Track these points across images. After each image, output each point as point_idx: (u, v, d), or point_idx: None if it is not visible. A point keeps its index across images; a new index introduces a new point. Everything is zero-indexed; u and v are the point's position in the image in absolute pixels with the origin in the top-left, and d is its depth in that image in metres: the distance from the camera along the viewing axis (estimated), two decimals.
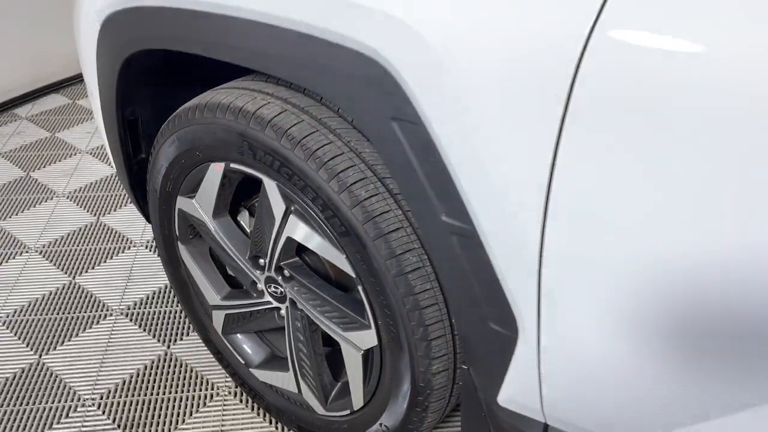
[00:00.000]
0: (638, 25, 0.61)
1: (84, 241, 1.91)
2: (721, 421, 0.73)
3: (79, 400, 1.44)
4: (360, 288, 1.02)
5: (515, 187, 0.73)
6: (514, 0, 0.67)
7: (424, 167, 0.81)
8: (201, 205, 1.21)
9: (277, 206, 1.06)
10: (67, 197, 2.11)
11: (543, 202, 0.72)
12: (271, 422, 1.40)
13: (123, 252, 1.87)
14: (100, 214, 2.03)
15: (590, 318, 0.77)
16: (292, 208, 1.05)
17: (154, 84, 1.24)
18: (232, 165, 1.09)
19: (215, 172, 1.13)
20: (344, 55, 0.81)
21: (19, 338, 1.59)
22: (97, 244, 1.90)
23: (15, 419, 1.38)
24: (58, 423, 1.38)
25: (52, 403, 1.43)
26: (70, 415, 1.40)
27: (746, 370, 0.69)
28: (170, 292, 1.70)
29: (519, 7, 0.67)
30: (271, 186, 1.05)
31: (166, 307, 1.67)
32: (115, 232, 1.94)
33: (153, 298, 1.70)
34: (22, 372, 1.50)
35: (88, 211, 2.04)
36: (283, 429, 1.39)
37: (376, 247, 0.95)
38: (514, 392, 0.90)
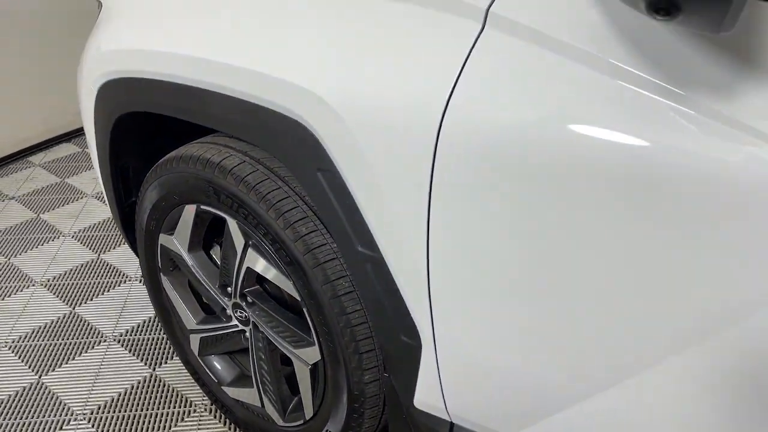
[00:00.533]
0: (481, 102, 0.82)
1: (85, 276, 2.11)
2: (579, 407, 0.91)
3: (72, 414, 1.62)
4: (305, 310, 1.21)
5: (404, 223, 0.93)
6: (391, 77, 0.88)
7: (343, 207, 1.01)
8: (179, 241, 1.41)
9: (238, 241, 1.27)
10: (72, 236, 2.33)
11: (425, 235, 0.91)
12: None
13: (119, 285, 2.07)
14: (100, 251, 2.24)
15: (470, 330, 0.95)
16: (250, 242, 1.25)
17: (141, 139, 1.46)
18: (202, 207, 1.30)
19: (189, 212, 1.34)
20: (280, 120, 1.02)
21: (23, 361, 1.78)
22: (96, 279, 2.10)
23: (16, 431, 1.57)
24: None
25: (48, 417, 1.61)
26: (63, 427, 1.58)
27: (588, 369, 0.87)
28: (158, 321, 1.89)
29: (395, 82, 0.88)
30: (232, 224, 1.25)
31: (154, 334, 1.86)
32: (114, 268, 2.15)
33: (143, 326, 1.90)
34: (24, 390, 1.69)
35: (90, 249, 2.26)
36: None
37: (314, 275, 1.14)
38: (425, 395, 1.08)
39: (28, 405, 1.64)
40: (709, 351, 0.74)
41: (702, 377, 0.76)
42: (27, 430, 1.57)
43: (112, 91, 1.33)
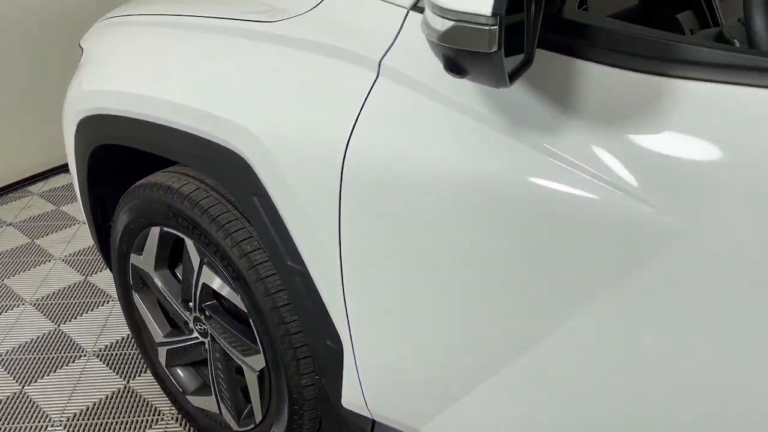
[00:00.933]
0: (374, 138, 0.97)
1: (71, 296, 2.27)
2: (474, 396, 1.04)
3: (50, 421, 1.76)
4: (251, 320, 1.35)
5: (322, 241, 1.08)
6: (306, 117, 1.04)
7: (274, 227, 1.16)
8: (146, 260, 1.56)
9: (195, 259, 1.42)
10: (63, 260, 2.49)
11: (338, 251, 1.06)
12: None
13: (103, 305, 2.22)
14: (87, 274, 2.40)
15: (379, 336, 1.10)
16: (205, 260, 1.40)
17: (115, 168, 1.62)
18: (165, 228, 1.46)
19: (154, 234, 1.50)
20: (223, 152, 1.18)
21: (8, 372, 1.92)
22: (82, 299, 2.25)
23: None
24: None
25: (29, 423, 1.75)
26: None
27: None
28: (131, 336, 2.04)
29: (309, 121, 1.04)
30: (189, 243, 1.41)
31: (130, 350, 2.00)
32: (98, 289, 2.30)
33: (121, 342, 2.04)
34: (7, 399, 1.83)
35: (78, 272, 2.41)
36: None
37: (257, 288, 1.29)
38: (349, 395, 1.21)
39: (10, 413, 1.78)
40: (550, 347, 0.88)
41: (552, 369, 0.90)
42: None
43: (89, 125, 1.50)
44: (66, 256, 2.52)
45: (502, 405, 1.00)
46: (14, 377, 1.91)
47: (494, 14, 0.62)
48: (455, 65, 0.69)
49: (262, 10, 1.17)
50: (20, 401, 1.82)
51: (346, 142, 0.99)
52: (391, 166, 0.95)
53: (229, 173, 1.20)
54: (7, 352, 2.01)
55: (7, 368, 1.94)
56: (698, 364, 0.79)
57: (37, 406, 1.80)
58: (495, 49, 0.64)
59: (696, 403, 0.81)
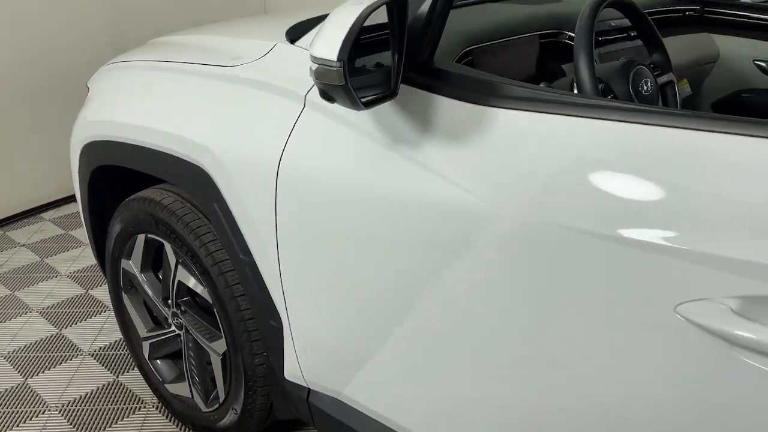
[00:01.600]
0: (299, 157, 1.27)
1: (73, 306, 2.55)
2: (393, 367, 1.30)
3: (47, 407, 2.03)
4: (215, 310, 1.63)
5: (264, 236, 1.36)
6: (250, 138, 1.34)
7: (230, 227, 1.45)
8: (134, 263, 1.85)
9: (172, 260, 1.71)
10: (68, 276, 2.79)
11: (276, 245, 1.35)
12: (180, 427, 1.95)
13: (99, 314, 2.50)
14: (89, 287, 2.69)
15: (308, 315, 1.37)
16: (180, 260, 1.69)
17: (110, 187, 1.93)
18: (149, 235, 1.75)
19: (140, 240, 1.79)
20: (191, 166, 1.48)
21: (14, 367, 2.20)
22: (83, 308, 2.54)
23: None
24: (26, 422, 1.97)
25: (30, 407, 2.02)
26: (39, 416, 1.99)
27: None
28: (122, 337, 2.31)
29: (252, 142, 1.34)
30: (168, 247, 1.70)
31: (121, 351, 2.28)
32: (98, 301, 2.59)
33: (113, 344, 2.32)
34: (12, 389, 2.11)
35: (81, 286, 2.71)
36: (184, 429, 1.94)
37: (219, 281, 1.57)
38: (289, 368, 1.48)
39: (15, 400, 2.05)
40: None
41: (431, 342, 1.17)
42: (8, 420, 1.98)
43: (91, 150, 1.82)
44: (71, 272, 2.81)
45: (398, 364, 1.26)
46: (19, 371, 2.18)
47: (339, 59, 0.92)
48: (325, 95, 0.99)
49: (225, 58, 1.49)
50: (23, 390, 2.09)
51: (279, 159, 1.29)
52: (309, 176, 1.25)
53: (196, 184, 1.50)
54: (14, 351, 2.29)
55: (13, 363, 2.22)
56: (522, 333, 1.05)
57: (37, 395, 2.07)
58: (343, 83, 0.94)
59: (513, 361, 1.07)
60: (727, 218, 0.82)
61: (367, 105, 0.99)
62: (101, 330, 2.40)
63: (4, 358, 2.26)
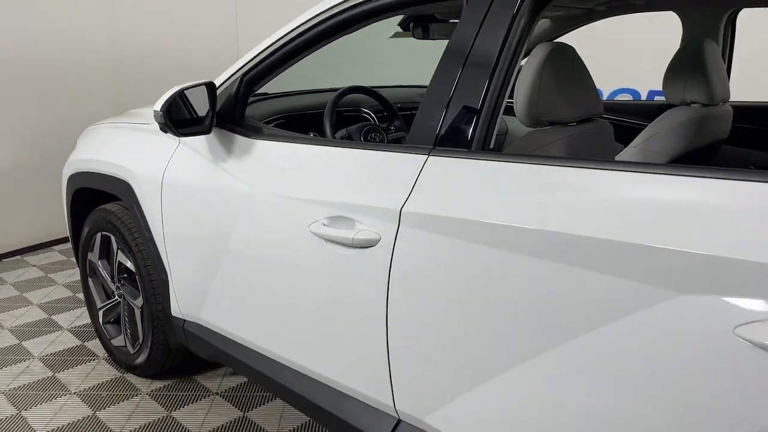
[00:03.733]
0: (173, 169, 2.25)
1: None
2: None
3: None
4: (137, 277, 2.56)
5: (155, 219, 2.32)
6: (148, 162, 2.32)
7: (141, 219, 2.40)
8: (95, 254, 2.81)
9: (114, 247, 2.66)
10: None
11: (161, 225, 2.29)
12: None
13: (60, 332, 3.43)
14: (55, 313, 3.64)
15: (180, 271, 2.29)
16: (119, 247, 2.64)
17: (85, 204, 2.91)
18: (104, 233, 2.71)
19: (98, 237, 2.75)
20: (123, 183, 2.46)
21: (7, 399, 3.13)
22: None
23: None
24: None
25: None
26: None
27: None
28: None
29: (148, 165, 2.32)
30: (113, 239, 2.66)
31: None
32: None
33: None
34: (5, 419, 3.02)
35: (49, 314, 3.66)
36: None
37: (138, 256, 2.50)
38: (174, 307, 2.39)
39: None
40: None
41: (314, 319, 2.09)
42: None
43: (73, 179, 2.82)
44: (43, 303, 3.78)
45: (227, 295, 2.16)
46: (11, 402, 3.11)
47: (160, 110, 1.91)
48: (161, 127, 1.97)
49: (145, 119, 2.50)
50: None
51: (163, 174, 2.26)
52: (176, 183, 2.21)
53: (125, 194, 2.48)
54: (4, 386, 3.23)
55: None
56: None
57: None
58: (162, 122, 1.92)
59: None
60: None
61: (183, 135, 1.97)
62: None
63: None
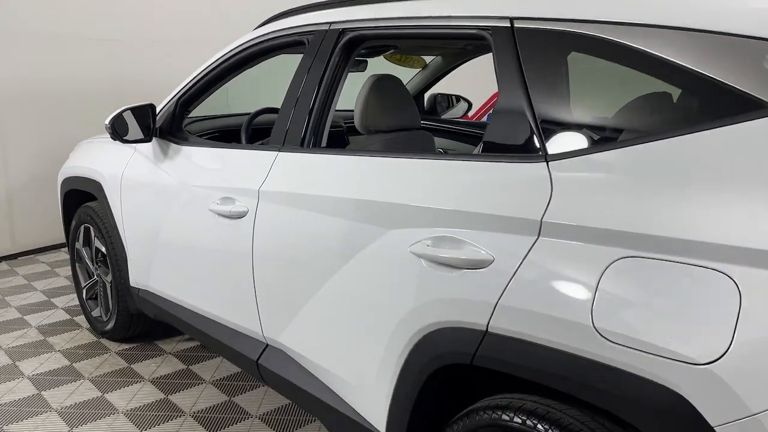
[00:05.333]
0: (130, 169, 2.95)
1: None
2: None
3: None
4: (108, 259, 3.25)
5: (118, 210, 3.02)
6: (111, 164, 3.04)
7: (108, 211, 3.11)
8: (81, 242, 3.52)
9: (93, 236, 3.37)
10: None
11: (121, 213, 2.99)
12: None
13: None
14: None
15: (134, 244, 2.98)
16: (96, 235, 3.34)
17: (76, 203, 3.63)
18: (86, 225, 3.43)
19: (82, 228, 3.47)
20: (96, 183, 3.17)
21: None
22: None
23: None
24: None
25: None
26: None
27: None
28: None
29: (110, 168, 3.03)
30: (92, 228, 3.36)
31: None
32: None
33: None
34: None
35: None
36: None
37: (110, 242, 3.20)
38: (131, 278, 3.07)
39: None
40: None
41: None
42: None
43: (64, 182, 3.55)
44: (20, 304, 4.50)
45: (159, 265, 2.84)
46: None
47: (110, 122, 2.62)
48: (113, 138, 2.68)
49: None
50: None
51: (121, 175, 2.97)
52: (131, 180, 2.91)
53: (98, 192, 3.19)
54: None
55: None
56: None
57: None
58: (110, 132, 2.62)
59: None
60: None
61: (125, 141, 2.68)
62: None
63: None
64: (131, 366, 3.17)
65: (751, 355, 1.09)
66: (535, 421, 1.37)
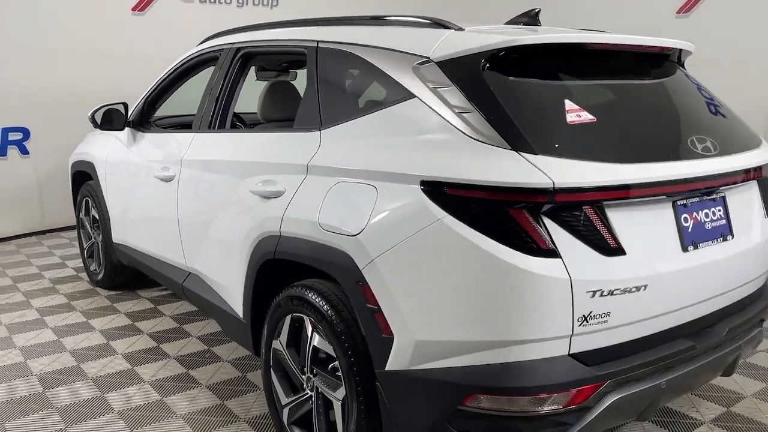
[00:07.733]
0: (111, 154, 3.94)
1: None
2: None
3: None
4: (99, 221, 4.24)
5: (103, 187, 4.01)
6: (99, 150, 4.03)
7: (98, 187, 4.10)
8: (82, 213, 4.53)
9: (93, 210, 4.36)
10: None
11: (107, 190, 3.98)
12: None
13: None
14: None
15: (114, 209, 3.95)
16: (92, 204, 4.34)
17: (81, 182, 4.64)
18: (86, 198, 4.43)
19: (84, 201, 4.47)
20: (90, 164, 4.18)
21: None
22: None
23: None
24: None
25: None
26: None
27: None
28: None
29: (101, 151, 4.02)
30: (90, 201, 4.36)
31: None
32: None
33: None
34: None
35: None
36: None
37: (99, 210, 4.19)
38: (113, 236, 4.04)
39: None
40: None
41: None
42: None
43: (73, 165, 4.57)
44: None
45: (133, 223, 3.80)
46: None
47: (90, 115, 3.60)
48: (95, 127, 3.66)
49: None
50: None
51: (106, 156, 3.96)
52: (111, 161, 3.89)
53: (92, 171, 4.19)
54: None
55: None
56: None
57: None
58: (92, 120, 3.61)
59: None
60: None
61: (102, 128, 3.66)
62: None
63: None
64: (114, 305, 4.14)
65: (376, 228, 1.95)
66: (308, 291, 2.24)
